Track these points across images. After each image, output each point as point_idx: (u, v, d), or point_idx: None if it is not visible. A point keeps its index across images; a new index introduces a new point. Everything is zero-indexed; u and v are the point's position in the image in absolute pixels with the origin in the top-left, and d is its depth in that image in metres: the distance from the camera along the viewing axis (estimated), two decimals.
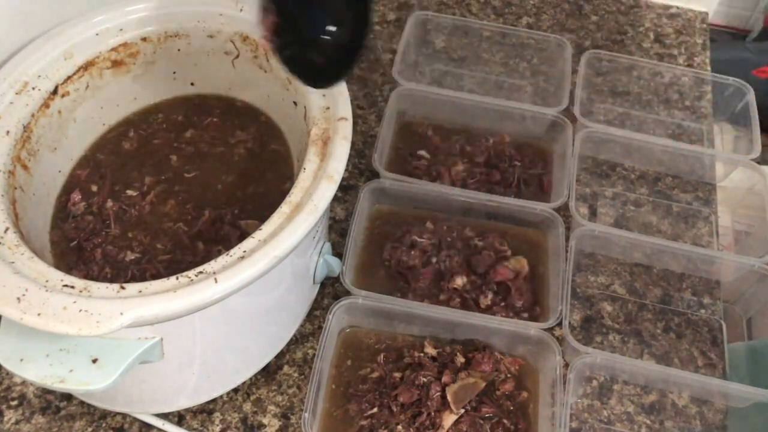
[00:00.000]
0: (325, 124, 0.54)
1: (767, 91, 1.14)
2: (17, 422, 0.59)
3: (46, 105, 0.55)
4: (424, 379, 0.60)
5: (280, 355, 0.63)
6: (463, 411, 0.59)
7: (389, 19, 0.94)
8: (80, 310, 0.42)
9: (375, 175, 0.73)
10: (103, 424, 0.59)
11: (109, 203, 0.58)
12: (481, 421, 0.59)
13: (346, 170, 0.63)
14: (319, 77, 0.52)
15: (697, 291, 0.72)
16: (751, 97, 0.83)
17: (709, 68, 0.93)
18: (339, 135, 0.53)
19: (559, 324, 0.62)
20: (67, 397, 0.60)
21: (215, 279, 0.44)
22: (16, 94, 0.54)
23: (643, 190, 0.80)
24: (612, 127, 0.83)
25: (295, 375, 0.63)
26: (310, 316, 0.66)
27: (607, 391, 0.65)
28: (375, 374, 0.62)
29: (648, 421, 0.63)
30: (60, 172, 0.59)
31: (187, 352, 0.52)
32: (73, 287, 0.44)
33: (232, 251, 0.46)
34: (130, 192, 0.60)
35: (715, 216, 0.78)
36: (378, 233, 0.71)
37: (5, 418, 0.59)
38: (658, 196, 0.80)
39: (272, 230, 0.48)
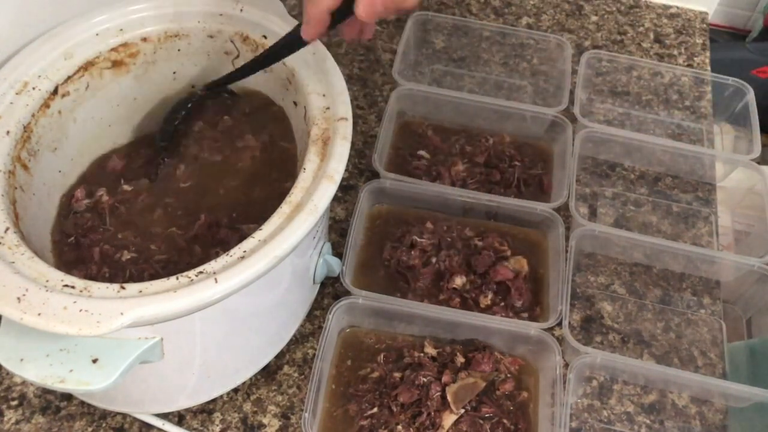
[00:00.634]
0: (325, 124, 0.54)
1: (767, 91, 1.14)
2: (17, 422, 0.59)
3: (46, 105, 0.55)
4: (424, 379, 0.60)
5: (280, 355, 0.63)
6: (463, 411, 0.59)
7: (389, 19, 0.94)
8: (80, 310, 0.42)
9: (375, 175, 0.73)
10: (103, 424, 0.59)
11: (105, 198, 0.58)
12: (481, 421, 0.59)
13: (346, 170, 0.63)
14: None
15: (697, 291, 0.72)
16: (751, 97, 0.83)
17: (709, 68, 0.93)
18: (339, 135, 0.53)
19: (559, 324, 0.62)
20: (67, 397, 0.60)
21: (215, 279, 0.44)
22: (16, 94, 0.54)
23: (643, 190, 0.80)
24: (612, 127, 0.83)
25: (295, 375, 0.63)
26: (310, 316, 0.66)
27: (607, 391, 0.65)
28: (375, 374, 0.62)
29: (648, 421, 0.63)
30: (60, 172, 0.59)
31: (187, 352, 0.52)
32: (73, 287, 0.44)
33: (232, 251, 0.46)
34: (126, 187, 0.60)
35: (715, 216, 0.78)
36: (378, 233, 0.71)
37: (5, 418, 0.59)
38: (658, 196, 0.80)
39: (272, 230, 0.48)
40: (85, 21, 0.59)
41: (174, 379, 0.55)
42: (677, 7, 1.00)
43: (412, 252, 0.68)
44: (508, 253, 0.69)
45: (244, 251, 0.46)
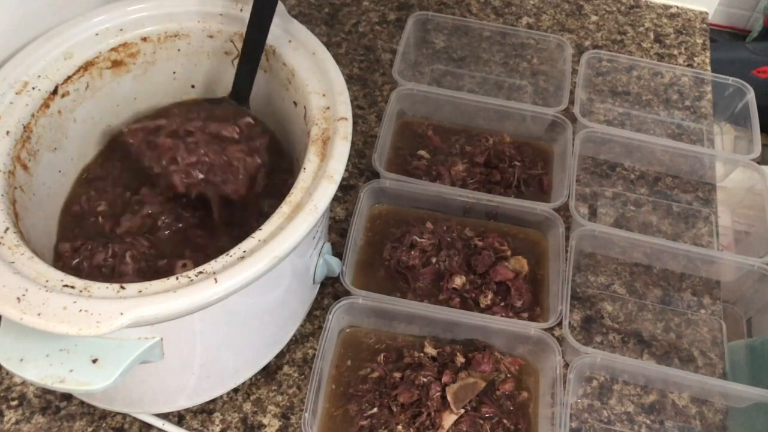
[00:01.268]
0: (325, 124, 0.54)
1: (767, 91, 1.14)
2: (17, 422, 0.59)
3: (46, 105, 0.55)
4: (424, 379, 0.60)
5: (280, 355, 0.63)
6: (463, 411, 0.59)
7: (389, 19, 0.94)
8: (80, 310, 0.42)
9: (375, 175, 0.73)
10: (103, 424, 0.59)
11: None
12: (481, 421, 0.59)
13: (346, 170, 0.63)
14: None
15: (697, 291, 0.72)
16: (751, 97, 0.83)
17: (709, 68, 0.93)
18: (339, 135, 0.53)
19: (559, 324, 0.62)
20: (67, 397, 0.60)
21: (215, 279, 0.44)
22: (16, 94, 0.54)
23: (643, 190, 0.80)
24: (612, 127, 0.83)
25: (295, 375, 0.63)
26: (310, 316, 0.66)
27: (607, 391, 0.65)
28: (375, 374, 0.62)
29: (648, 421, 0.63)
30: (60, 172, 0.59)
31: (187, 352, 0.52)
32: (73, 287, 0.44)
33: (231, 251, 0.46)
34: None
35: (715, 216, 0.78)
36: (378, 233, 0.71)
37: (5, 418, 0.59)
38: (658, 196, 0.80)
39: (272, 230, 0.48)
40: (85, 21, 0.59)
41: (174, 379, 0.55)
42: (677, 7, 1.00)
43: (412, 252, 0.68)
44: (508, 253, 0.69)
45: (244, 251, 0.46)
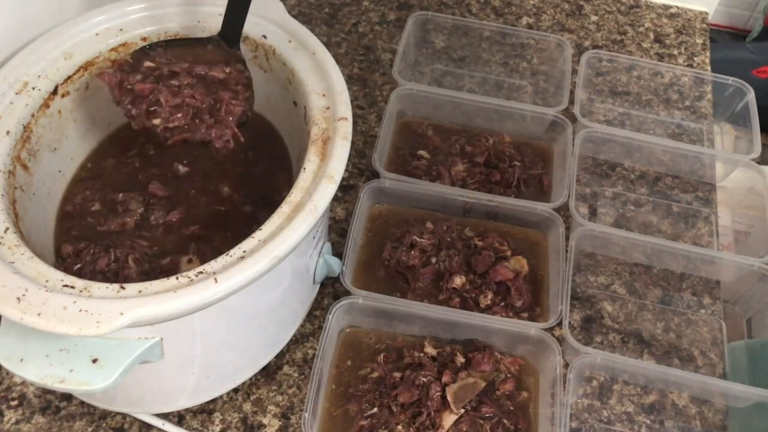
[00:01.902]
0: (325, 124, 0.54)
1: (767, 91, 1.14)
2: (17, 422, 0.59)
3: (46, 105, 0.55)
4: (424, 379, 0.60)
5: (280, 355, 0.63)
6: (463, 411, 0.59)
7: (389, 19, 0.94)
8: (80, 310, 0.42)
9: (375, 175, 0.73)
10: (103, 424, 0.59)
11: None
12: (481, 421, 0.59)
13: (346, 170, 0.63)
14: None
15: (697, 291, 0.72)
16: (751, 97, 0.83)
17: (709, 68, 0.93)
18: (339, 135, 0.53)
19: (559, 324, 0.62)
20: (67, 397, 0.60)
21: (215, 279, 0.44)
22: (16, 94, 0.54)
23: (643, 190, 0.80)
24: (612, 127, 0.83)
25: (295, 375, 0.63)
26: (310, 316, 0.66)
27: (607, 391, 0.65)
28: (375, 374, 0.62)
29: (648, 421, 0.63)
30: (60, 172, 0.59)
31: (187, 352, 0.52)
32: (73, 287, 0.44)
33: (231, 251, 0.46)
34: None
35: (715, 216, 0.78)
36: (378, 233, 0.71)
37: (5, 418, 0.59)
38: (658, 196, 0.80)
39: (272, 230, 0.48)
40: (85, 21, 0.59)
41: (174, 379, 0.55)
42: (677, 7, 1.00)
43: (412, 252, 0.68)
44: (508, 253, 0.69)
45: (244, 251, 0.46)
